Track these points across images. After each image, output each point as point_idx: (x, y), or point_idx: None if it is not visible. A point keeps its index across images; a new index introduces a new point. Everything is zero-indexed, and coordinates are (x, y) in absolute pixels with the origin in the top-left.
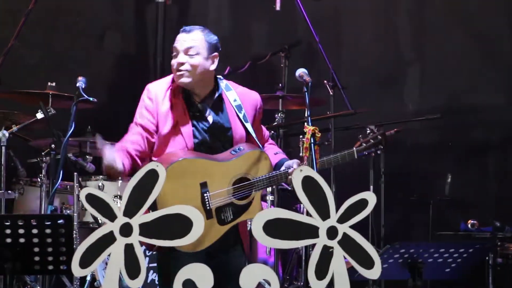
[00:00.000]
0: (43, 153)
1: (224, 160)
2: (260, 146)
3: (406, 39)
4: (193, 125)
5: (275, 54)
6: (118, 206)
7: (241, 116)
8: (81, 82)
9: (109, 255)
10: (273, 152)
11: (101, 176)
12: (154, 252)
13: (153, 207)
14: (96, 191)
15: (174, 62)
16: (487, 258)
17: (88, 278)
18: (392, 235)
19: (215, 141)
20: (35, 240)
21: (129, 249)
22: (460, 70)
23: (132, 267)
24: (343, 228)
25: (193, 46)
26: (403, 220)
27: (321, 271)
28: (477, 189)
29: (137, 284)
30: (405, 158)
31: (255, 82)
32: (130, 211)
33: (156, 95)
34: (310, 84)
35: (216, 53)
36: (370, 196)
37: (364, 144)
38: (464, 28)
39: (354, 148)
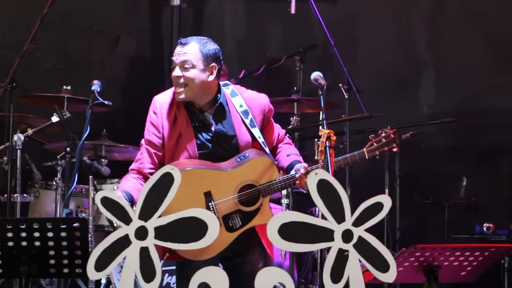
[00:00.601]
0: (58, 157)
1: (228, 168)
2: (268, 151)
3: (422, 42)
4: (196, 136)
5: (290, 57)
6: (133, 210)
7: (247, 121)
8: (96, 86)
9: (124, 258)
10: (286, 153)
11: (116, 179)
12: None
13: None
14: (111, 194)
15: (172, 75)
16: (502, 261)
17: (103, 281)
18: (408, 238)
19: (220, 149)
20: (51, 243)
21: (144, 252)
22: (475, 73)
23: (147, 270)
24: (359, 232)
25: (187, 59)
26: (419, 223)
27: (336, 274)
28: (493, 192)
29: (153, 287)
30: (421, 161)
31: (270, 86)
32: (145, 214)
33: (161, 108)
34: (325, 87)
35: (214, 64)
36: (385, 200)
37: (375, 144)
38: (480, 31)
39: (365, 149)
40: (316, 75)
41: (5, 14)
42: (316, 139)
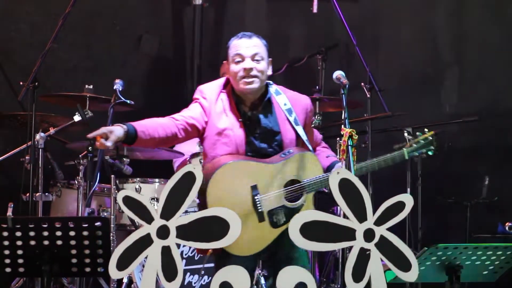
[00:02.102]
0: (80, 156)
1: (274, 163)
2: (311, 148)
3: (444, 41)
4: (244, 130)
5: (312, 56)
6: (155, 209)
7: (291, 119)
8: (118, 85)
9: (146, 258)
10: (325, 155)
11: (138, 179)
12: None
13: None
14: (133, 193)
15: (239, 68)
16: None
17: (125, 280)
18: (429, 238)
19: (265, 145)
20: (73, 242)
21: (166, 251)
22: (498, 72)
23: (169, 269)
24: (380, 231)
25: (258, 52)
26: (441, 223)
27: (358, 273)
28: None
29: (174, 286)
30: (443, 160)
31: (292, 85)
32: (167, 213)
33: (210, 96)
34: (347, 86)
35: (270, 58)
36: (407, 199)
37: (415, 145)
38: (503, 29)
39: (404, 149)
40: (338, 74)
41: (28, 13)
42: (338, 138)
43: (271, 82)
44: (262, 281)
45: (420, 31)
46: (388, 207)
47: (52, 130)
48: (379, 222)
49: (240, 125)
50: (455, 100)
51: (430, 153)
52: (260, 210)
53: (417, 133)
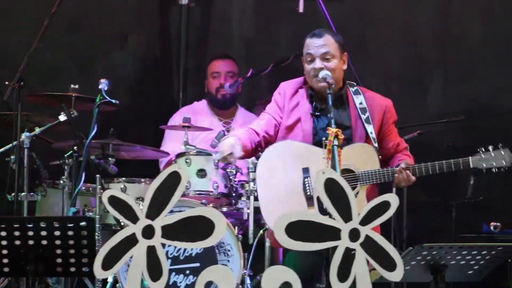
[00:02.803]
0: (65, 155)
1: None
2: (375, 145)
3: (430, 41)
4: (314, 123)
5: (298, 56)
6: (141, 208)
7: (363, 117)
8: (103, 84)
9: (131, 257)
10: (399, 159)
11: (123, 178)
12: (176, 254)
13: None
14: (118, 193)
15: (310, 68)
16: (510, 260)
17: (110, 280)
18: (415, 237)
19: None
20: (58, 242)
21: (151, 251)
22: (484, 72)
23: (154, 269)
24: (366, 230)
25: (328, 50)
26: (426, 222)
27: (343, 273)
28: (500, 192)
29: (159, 286)
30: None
31: (278, 84)
32: (152, 213)
33: (285, 92)
34: (333, 86)
35: (345, 53)
36: (392, 198)
37: (483, 156)
38: (488, 29)
39: (470, 157)
40: (324, 74)
41: (14, 13)
42: (323, 138)
43: (354, 83)
44: (247, 281)
45: (406, 31)
46: (374, 207)
47: (37, 130)
48: (364, 222)
49: (311, 118)
50: (440, 99)
51: (500, 169)
52: (309, 194)
53: (489, 147)
